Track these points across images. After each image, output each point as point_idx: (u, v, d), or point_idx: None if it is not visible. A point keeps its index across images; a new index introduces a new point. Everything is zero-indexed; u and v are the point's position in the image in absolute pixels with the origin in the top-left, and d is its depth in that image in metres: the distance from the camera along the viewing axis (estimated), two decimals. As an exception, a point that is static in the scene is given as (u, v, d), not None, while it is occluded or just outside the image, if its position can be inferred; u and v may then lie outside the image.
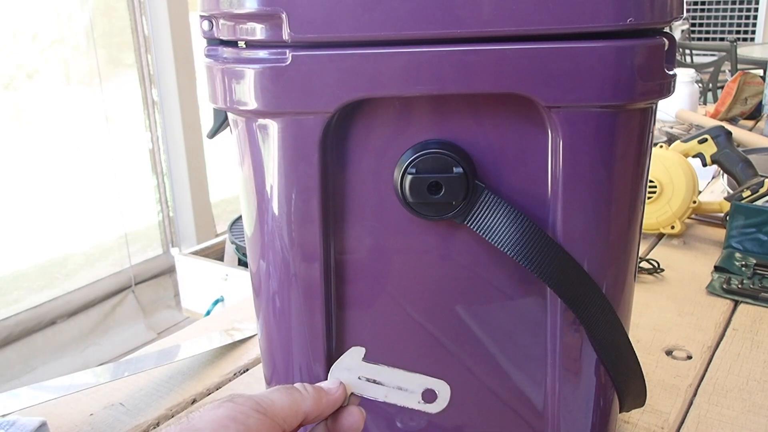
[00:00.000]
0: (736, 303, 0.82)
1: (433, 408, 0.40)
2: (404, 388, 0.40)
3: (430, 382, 0.40)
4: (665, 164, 0.99)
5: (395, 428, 0.52)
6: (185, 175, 2.66)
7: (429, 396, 0.40)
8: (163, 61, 2.54)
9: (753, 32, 3.65)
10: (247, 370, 0.71)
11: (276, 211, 0.46)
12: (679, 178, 0.98)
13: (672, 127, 1.57)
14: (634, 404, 0.54)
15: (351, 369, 0.40)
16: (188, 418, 0.34)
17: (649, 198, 0.98)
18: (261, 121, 0.44)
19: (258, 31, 0.42)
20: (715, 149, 1.06)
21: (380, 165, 0.45)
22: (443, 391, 0.40)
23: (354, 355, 0.40)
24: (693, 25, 3.68)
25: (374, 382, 0.40)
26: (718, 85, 2.09)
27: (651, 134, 0.44)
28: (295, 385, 0.39)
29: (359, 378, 0.40)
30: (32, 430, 0.56)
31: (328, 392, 0.40)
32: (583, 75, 0.39)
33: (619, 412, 0.53)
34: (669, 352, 0.71)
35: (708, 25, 3.77)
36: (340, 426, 0.40)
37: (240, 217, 1.96)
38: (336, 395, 0.40)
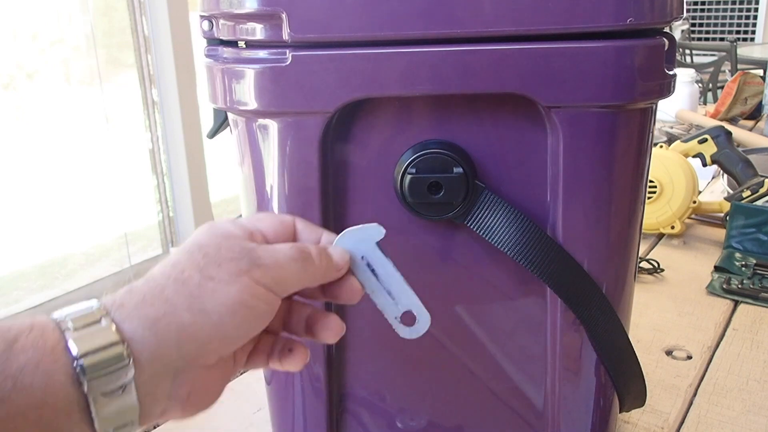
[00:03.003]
0: (736, 303, 0.82)
1: (405, 332, 0.39)
2: (393, 296, 0.38)
3: (416, 305, 0.38)
4: (665, 164, 0.99)
5: (395, 428, 0.52)
6: (185, 175, 2.66)
7: (407, 319, 0.39)
8: (163, 61, 2.54)
9: (753, 32, 3.65)
10: (248, 370, 0.71)
11: (276, 211, 0.46)
12: (679, 178, 0.98)
13: (672, 127, 1.57)
14: (634, 404, 0.54)
15: (360, 246, 0.37)
16: (199, 288, 0.31)
17: (649, 198, 0.98)
18: (261, 121, 0.44)
19: (258, 31, 0.42)
20: (715, 149, 1.06)
21: (380, 165, 0.44)
22: (423, 322, 0.38)
23: (371, 234, 0.37)
24: (693, 25, 3.68)
25: (372, 271, 0.38)
26: (718, 85, 2.09)
27: (651, 134, 0.44)
28: (311, 250, 0.35)
29: (362, 258, 0.38)
30: (32, 430, 0.56)
31: (336, 269, 0.36)
32: (583, 75, 0.39)
33: (619, 412, 0.53)
34: (669, 352, 0.71)
35: (708, 25, 3.77)
36: (334, 290, 0.38)
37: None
38: (340, 274, 0.37)
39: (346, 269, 0.37)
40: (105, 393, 0.28)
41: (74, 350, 0.27)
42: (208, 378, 0.33)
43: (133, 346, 0.29)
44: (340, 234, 0.37)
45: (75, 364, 0.27)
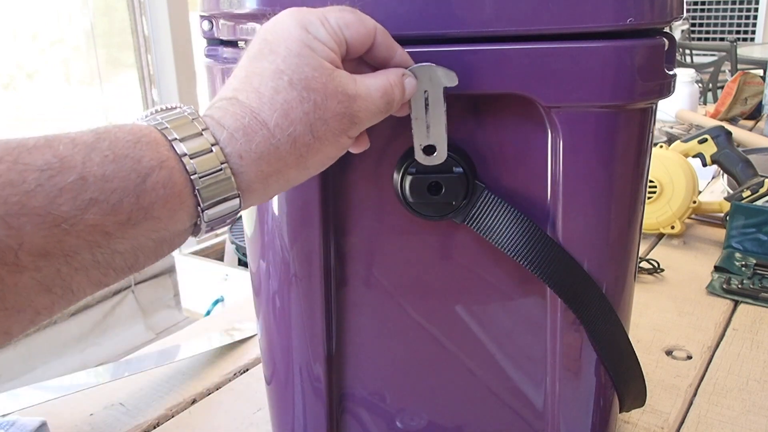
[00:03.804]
0: (736, 303, 0.82)
1: (421, 157, 0.42)
2: (429, 130, 0.41)
3: (442, 144, 0.41)
4: (665, 164, 0.99)
5: (395, 428, 0.52)
6: (185, 175, 2.66)
7: (429, 149, 0.42)
8: (163, 61, 2.54)
9: (753, 32, 3.64)
10: (247, 370, 0.71)
11: (276, 211, 0.46)
12: (679, 178, 0.98)
13: (672, 127, 1.57)
14: (634, 404, 0.54)
15: (429, 82, 0.39)
16: (307, 148, 0.34)
17: (649, 198, 0.98)
18: (261, 121, 0.44)
19: (258, 31, 0.42)
20: (715, 149, 1.06)
21: (380, 165, 0.44)
22: (438, 157, 0.42)
23: (444, 78, 0.39)
24: (693, 25, 3.68)
25: (426, 106, 0.40)
26: (718, 85, 2.09)
27: (651, 134, 0.44)
28: (395, 97, 0.37)
29: (425, 91, 0.39)
30: (32, 430, 0.56)
31: (404, 98, 0.38)
32: (583, 75, 0.39)
33: (619, 412, 0.53)
34: (669, 352, 0.71)
35: (708, 25, 3.76)
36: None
37: (240, 217, 1.96)
38: (405, 102, 0.39)
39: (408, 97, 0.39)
40: (215, 227, 0.34)
41: (201, 200, 0.31)
42: None
43: (244, 194, 0.33)
44: (420, 64, 0.39)
45: (199, 210, 0.32)
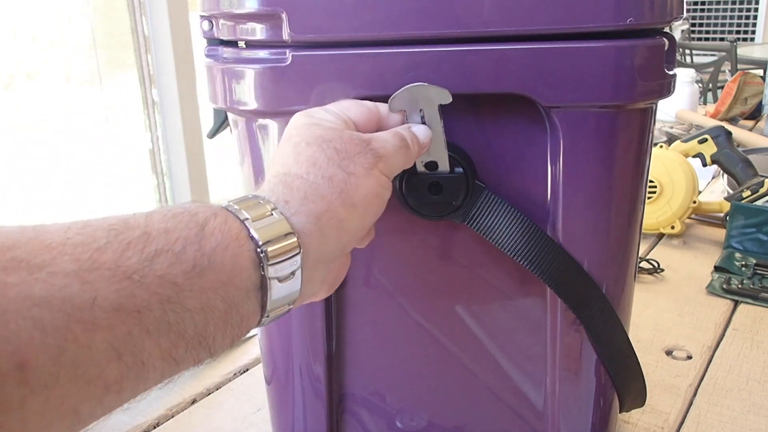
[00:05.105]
0: (736, 303, 0.82)
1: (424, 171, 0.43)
2: (429, 147, 0.41)
3: (443, 159, 0.42)
4: (665, 164, 0.99)
5: (395, 428, 0.52)
6: (185, 175, 2.65)
7: (431, 166, 0.42)
8: (163, 61, 2.53)
9: (753, 32, 3.64)
10: (247, 370, 0.71)
11: (276, 211, 0.46)
12: (679, 178, 0.98)
13: (672, 127, 1.57)
14: (634, 404, 0.54)
15: (423, 101, 0.39)
16: (346, 184, 0.34)
17: (649, 198, 0.98)
18: (261, 121, 0.44)
19: (258, 31, 0.42)
20: (715, 149, 1.06)
21: (380, 165, 0.44)
22: (442, 166, 0.42)
23: (437, 96, 0.39)
24: (693, 25, 3.67)
25: (422, 119, 0.40)
26: (718, 85, 2.09)
27: (651, 134, 0.44)
28: (407, 137, 0.39)
29: (420, 110, 0.40)
30: (32, 430, 0.56)
31: (423, 149, 0.40)
32: (583, 75, 0.39)
33: (619, 412, 0.53)
34: (669, 352, 0.71)
35: (708, 25, 3.76)
36: None
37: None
38: (424, 151, 0.41)
39: (428, 147, 0.41)
40: (279, 278, 0.32)
41: (258, 239, 0.31)
42: (345, 262, 0.40)
43: (301, 238, 0.33)
44: (413, 84, 0.39)
45: (259, 251, 0.31)
